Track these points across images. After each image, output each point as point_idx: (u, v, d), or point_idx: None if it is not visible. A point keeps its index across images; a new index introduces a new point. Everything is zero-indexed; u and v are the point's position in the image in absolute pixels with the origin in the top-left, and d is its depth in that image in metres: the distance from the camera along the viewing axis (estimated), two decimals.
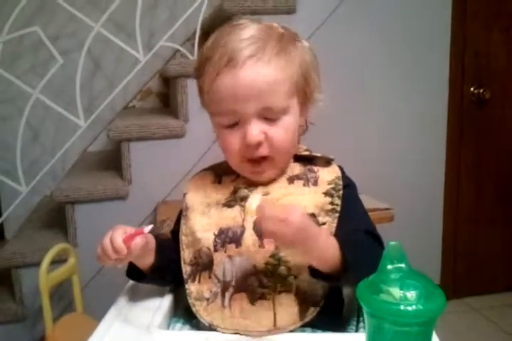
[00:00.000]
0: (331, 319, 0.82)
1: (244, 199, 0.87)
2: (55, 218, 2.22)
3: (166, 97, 2.68)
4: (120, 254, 0.79)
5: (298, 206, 0.78)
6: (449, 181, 2.43)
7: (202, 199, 0.91)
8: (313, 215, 0.83)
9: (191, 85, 1.95)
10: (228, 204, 0.88)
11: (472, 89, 2.39)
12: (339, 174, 0.90)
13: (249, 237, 0.82)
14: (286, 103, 0.83)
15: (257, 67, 0.80)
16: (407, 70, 2.29)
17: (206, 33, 2.49)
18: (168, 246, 0.90)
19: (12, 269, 2.01)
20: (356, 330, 0.84)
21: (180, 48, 2.12)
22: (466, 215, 2.49)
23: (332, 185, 0.87)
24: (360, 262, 0.75)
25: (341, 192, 0.86)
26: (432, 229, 2.46)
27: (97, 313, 1.06)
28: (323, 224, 0.83)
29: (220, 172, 0.94)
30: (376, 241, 0.82)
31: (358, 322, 0.87)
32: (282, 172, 0.89)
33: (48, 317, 1.73)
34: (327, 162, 0.91)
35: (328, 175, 0.89)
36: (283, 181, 0.89)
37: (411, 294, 0.50)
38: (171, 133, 2.02)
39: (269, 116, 0.83)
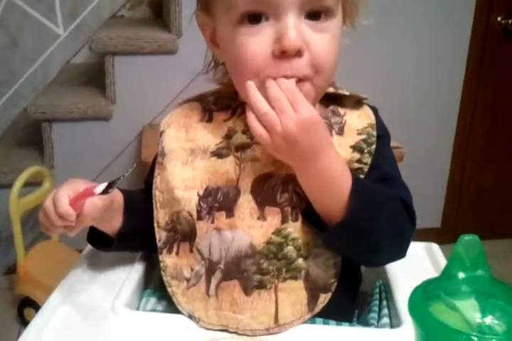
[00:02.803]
0: (345, 306, 0.66)
1: (241, 148, 0.66)
2: (32, 135, 2.04)
3: (159, 7, 2.41)
4: (66, 221, 0.61)
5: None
6: (461, 121, 2.25)
7: (184, 142, 0.69)
8: None
9: None
10: (219, 153, 0.66)
11: (500, 18, 2.14)
12: (373, 120, 0.68)
13: (246, 204, 0.63)
14: None
15: None
16: None
17: None
18: (140, 202, 0.71)
19: None
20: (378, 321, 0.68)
21: None
22: (475, 158, 2.33)
23: (363, 136, 0.66)
24: (373, 220, 0.59)
25: (374, 146, 0.65)
26: (438, 170, 2.31)
27: (73, 242, 0.90)
28: None
29: (209, 106, 0.71)
30: (407, 214, 0.64)
31: (380, 308, 0.70)
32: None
33: (19, 244, 1.60)
34: (357, 102, 0.69)
35: (358, 120, 0.67)
36: None
37: (497, 324, 0.32)
38: (161, 48, 1.80)
39: (315, 9, 0.58)
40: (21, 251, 1.61)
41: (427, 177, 2.24)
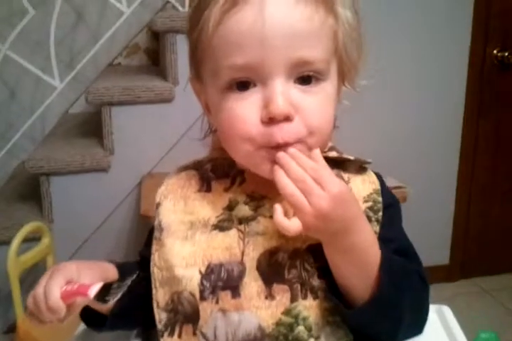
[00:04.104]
0: None
1: (244, 220, 0.62)
2: (31, 189, 2.02)
3: (155, 54, 2.43)
4: (56, 315, 0.57)
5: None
6: (464, 155, 2.22)
7: (183, 215, 0.65)
8: None
9: (181, 42, 1.71)
10: (220, 226, 0.62)
11: (495, 51, 2.14)
12: (377, 186, 0.65)
13: (252, 282, 0.59)
14: (326, 60, 0.58)
15: (290, 2, 0.55)
16: (424, 29, 2.03)
17: None
18: (134, 276, 0.67)
19: None
20: None
21: None
22: (480, 192, 2.30)
23: (369, 203, 0.62)
24: (400, 296, 0.57)
25: (380, 213, 0.62)
26: (443, 206, 2.27)
27: None
28: None
29: (207, 174, 0.67)
30: (424, 288, 0.61)
31: None
32: None
33: (18, 304, 1.55)
34: (361, 167, 0.66)
35: (363, 187, 0.64)
36: None
37: None
38: (158, 96, 1.79)
39: (305, 74, 0.57)
40: (20, 310, 1.55)
41: (432, 215, 2.20)
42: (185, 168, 0.70)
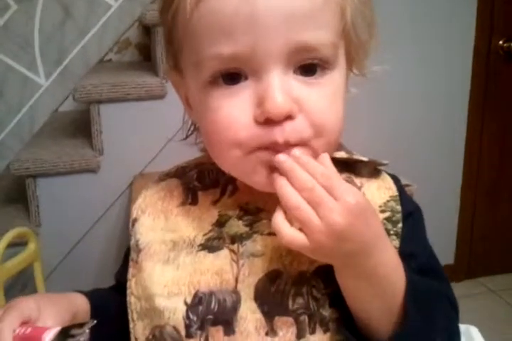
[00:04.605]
0: None
1: (237, 239, 0.52)
2: (18, 191, 1.93)
3: (147, 49, 2.34)
4: None
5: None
6: (469, 154, 2.14)
7: (164, 233, 0.55)
8: None
9: None
10: (209, 246, 0.53)
11: (501, 42, 2.05)
12: (395, 191, 0.54)
13: (249, 315, 0.49)
14: (333, 43, 0.47)
15: None
16: (428, 20, 1.94)
17: None
18: (110, 307, 0.58)
19: None
20: None
21: None
22: (485, 191, 2.22)
23: (387, 214, 0.52)
24: (430, 327, 0.47)
25: (400, 225, 0.52)
26: (448, 205, 2.19)
27: None
28: None
29: (192, 183, 0.58)
30: (455, 313, 0.51)
31: None
32: None
33: None
34: (375, 169, 0.56)
35: (378, 193, 0.54)
36: None
37: None
38: (149, 93, 1.70)
39: (307, 62, 0.47)
40: None
41: (437, 214, 2.11)
42: (167, 176, 0.60)
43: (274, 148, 0.46)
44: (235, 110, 0.47)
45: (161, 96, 1.71)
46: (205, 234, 0.54)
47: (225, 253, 0.52)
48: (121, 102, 1.70)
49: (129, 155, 1.72)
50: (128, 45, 2.35)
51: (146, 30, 2.24)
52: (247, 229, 0.53)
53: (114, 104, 1.70)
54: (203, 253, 0.53)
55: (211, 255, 0.52)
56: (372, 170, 0.56)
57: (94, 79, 1.74)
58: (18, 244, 1.58)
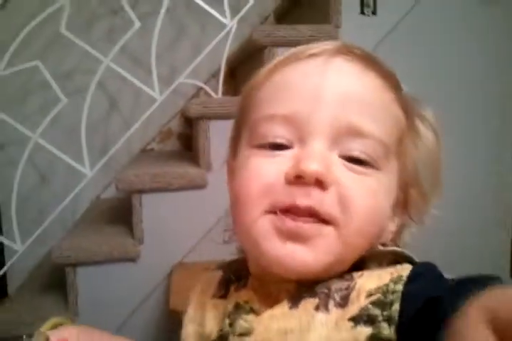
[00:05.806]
0: None
1: (244, 334, 0.48)
2: (57, 279, 1.93)
3: (188, 139, 2.42)
4: None
5: None
6: None
7: (196, 326, 0.55)
8: None
9: (214, 128, 1.67)
10: None
11: None
12: (400, 273, 0.45)
13: None
14: (384, 143, 0.47)
15: (353, 68, 0.48)
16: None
17: (233, 68, 2.25)
18: None
19: None
20: None
21: (203, 85, 1.85)
22: None
23: (375, 297, 0.43)
24: None
25: (396, 306, 0.41)
26: None
27: None
28: None
29: (229, 275, 0.57)
30: None
31: None
32: (338, 270, 0.47)
33: None
34: (394, 260, 0.49)
35: (371, 280, 0.46)
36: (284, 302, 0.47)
37: None
38: (190, 183, 1.73)
39: (355, 154, 0.47)
40: None
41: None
42: (218, 267, 0.60)
43: (292, 211, 0.45)
44: (270, 167, 0.47)
45: (202, 186, 1.74)
46: (219, 328, 0.52)
47: None
48: (163, 192, 1.73)
49: (168, 245, 1.72)
50: (170, 135, 2.44)
51: (188, 121, 2.34)
52: (253, 323, 0.48)
53: (156, 193, 1.73)
54: None
55: None
56: (393, 260, 0.49)
57: (137, 169, 1.78)
58: None
